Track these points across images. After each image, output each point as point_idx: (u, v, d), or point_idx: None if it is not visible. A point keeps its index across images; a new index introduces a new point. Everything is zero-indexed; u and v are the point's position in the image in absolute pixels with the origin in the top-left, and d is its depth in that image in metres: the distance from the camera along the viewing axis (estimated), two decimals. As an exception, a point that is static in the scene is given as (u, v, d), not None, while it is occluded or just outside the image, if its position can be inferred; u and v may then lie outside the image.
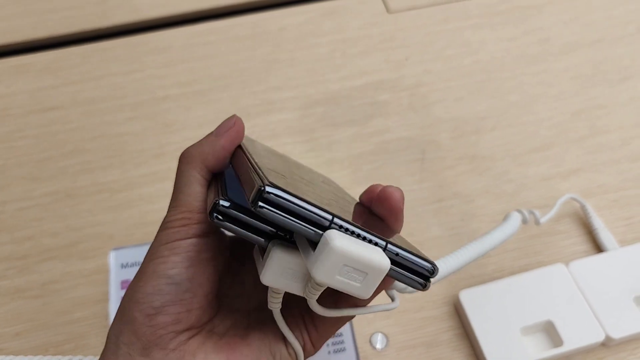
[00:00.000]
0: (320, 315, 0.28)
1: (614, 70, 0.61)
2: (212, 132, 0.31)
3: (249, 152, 0.28)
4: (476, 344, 0.42)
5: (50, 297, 0.46)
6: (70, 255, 0.48)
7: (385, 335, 0.44)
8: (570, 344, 0.41)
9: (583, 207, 0.49)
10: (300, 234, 0.23)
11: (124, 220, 0.51)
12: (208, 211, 0.25)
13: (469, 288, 0.44)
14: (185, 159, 0.30)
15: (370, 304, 0.30)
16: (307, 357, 0.30)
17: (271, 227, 0.25)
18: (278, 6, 0.68)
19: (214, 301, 0.29)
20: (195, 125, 0.57)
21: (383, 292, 0.32)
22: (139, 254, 0.46)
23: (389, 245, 0.24)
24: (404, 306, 0.45)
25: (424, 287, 0.26)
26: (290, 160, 0.38)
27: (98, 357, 0.28)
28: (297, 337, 0.29)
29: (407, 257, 0.25)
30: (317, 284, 0.24)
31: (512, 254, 0.48)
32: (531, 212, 0.46)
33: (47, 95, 0.60)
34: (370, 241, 0.24)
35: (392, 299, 0.31)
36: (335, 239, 0.22)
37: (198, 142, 0.30)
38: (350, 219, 0.24)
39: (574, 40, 0.64)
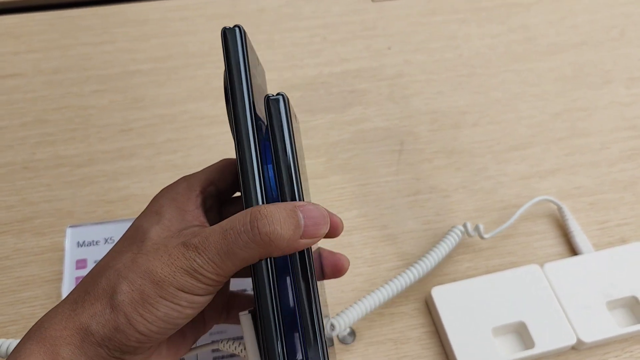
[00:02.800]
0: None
1: (596, 73, 0.60)
2: (299, 224, 0.25)
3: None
4: (446, 343, 0.41)
5: (-2, 273, 0.43)
6: (23, 230, 0.45)
7: (353, 330, 0.42)
8: (541, 346, 0.40)
9: (560, 209, 0.48)
10: None
11: (84, 196, 0.48)
12: None
13: (442, 285, 0.43)
14: (261, 241, 0.25)
15: None
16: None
17: None
18: (259, -14, 0.66)
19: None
20: (167, 102, 0.54)
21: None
22: (98, 232, 0.44)
23: None
24: (374, 300, 0.44)
25: None
26: None
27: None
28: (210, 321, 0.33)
29: None
30: None
31: (486, 252, 0.47)
32: (476, 228, 0.45)
33: (8, 61, 0.56)
34: None
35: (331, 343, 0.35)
36: None
37: (283, 228, 0.25)
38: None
39: (559, 41, 0.63)
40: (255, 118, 0.28)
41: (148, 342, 0.25)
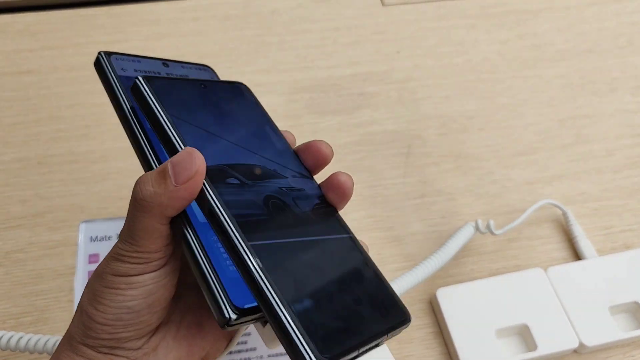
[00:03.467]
0: None
1: (602, 81, 0.61)
2: (168, 173, 0.26)
3: (222, 213, 0.26)
4: (450, 344, 0.42)
5: (13, 266, 0.44)
6: (37, 224, 0.46)
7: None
8: (544, 348, 0.41)
9: (564, 214, 0.49)
10: None
11: (97, 192, 0.49)
12: (216, 319, 0.26)
13: (447, 286, 0.44)
14: (141, 206, 0.26)
15: None
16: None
17: None
18: (271, -12, 0.67)
19: (172, 304, 0.30)
20: (178, 102, 0.55)
21: None
22: (110, 228, 0.45)
23: (388, 334, 0.26)
24: (379, 300, 0.45)
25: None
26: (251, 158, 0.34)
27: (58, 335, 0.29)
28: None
29: (396, 332, 0.27)
30: None
31: (490, 256, 0.48)
32: (487, 226, 0.46)
33: (24, 58, 0.57)
34: (379, 344, 0.25)
35: None
36: None
37: (154, 181, 0.26)
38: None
39: (566, 48, 0.63)
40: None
41: (117, 332, 0.26)
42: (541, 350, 0.41)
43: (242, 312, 0.26)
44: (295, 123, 0.55)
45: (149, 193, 0.26)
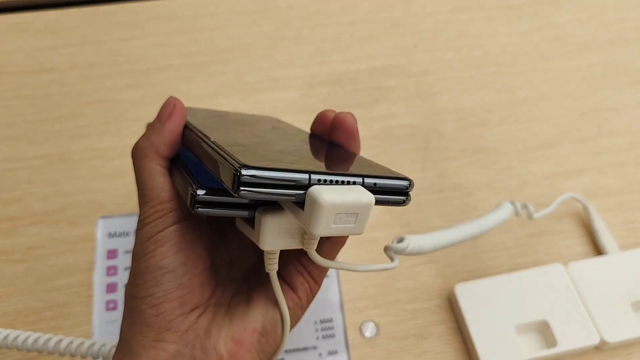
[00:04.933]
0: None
1: (625, 72, 0.60)
2: (154, 120, 0.30)
3: (199, 130, 0.28)
4: (469, 340, 0.41)
5: (34, 262, 0.45)
6: (58, 220, 0.47)
7: (376, 324, 0.43)
8: (564, 345, 0.41)
9: (585, 208, 0.48)
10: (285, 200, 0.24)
11: (116, 189, 0.49)
12: (188, 203, 0.26)
13: (465, 282, 0.43)
14: (137, 154, 0.29)
15: (372, 266, 0.29)
16: (314, 294, 0.31)
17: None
18: (288, -17, 0.67)
19: (211, 275, 0.30)
20: (196, 97, 0.56)
21: (382, 252, 0.32)
22: (128, 223, 0.45)
23: (365, 180, 0.25)
24: (396, 296, 0.44)
25: (404, 202, 0.27)
26: (232, 117, 0.38)
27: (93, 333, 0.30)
28: (300, 281, 0.30)
29: (384, 183, 0.26)
30: (315, 237, 0.26)
31: (510, 251, 0.47)
32: (525, 206, 0.45)
33: (45, 56, 0.58)
34: (348, 183, 0.25)
35: (391, 259, 0.31)
36: (321, 194, 0.23)
37: (144, 134, 0.30)
38: (311, 155, 0.27)
39: (588, 39, 0.62)
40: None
41: (159, 302, 0.27)
42: (561, 347, 0.41)
43: (209, 190, 0.25)
44: (312, 118, 0.54)
45: (141, 140, 0.29)
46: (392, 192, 0.26)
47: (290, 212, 0.25)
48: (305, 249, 0.27)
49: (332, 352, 0.41)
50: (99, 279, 0.43)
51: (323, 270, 0.31)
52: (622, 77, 0.59)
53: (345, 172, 0.25)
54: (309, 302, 0.31)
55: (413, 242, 0.33)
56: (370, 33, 0.62)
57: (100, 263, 0.44)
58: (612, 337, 0.41)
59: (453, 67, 0.59)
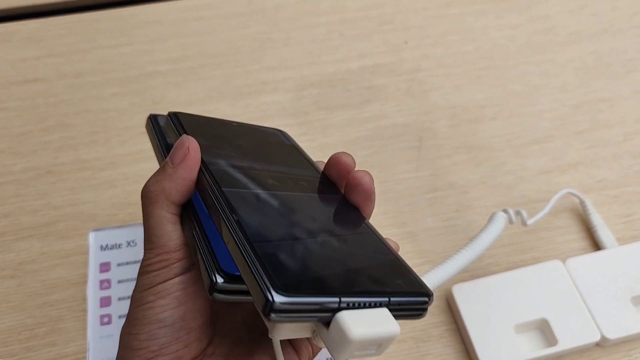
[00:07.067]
0: None
1: (618, 62, 0.59)
2: (166, 162, 0.28)
3: (215, 187, 0.27)
4: (468, 341, 0.41)
5: (25, 277, 0.44)
6: (48, 234, 0.46)
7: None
8: (564, 343, 0.40)
9: (582, 203, 0.48)
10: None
11: (106, 199, 0.48)
12: (206, 287, 0.25)
13: (462, 282, 0.43)
14: (148, 199, 0.27)
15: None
16: (315, 354, 0.30)
17: None
18: (275, -17, 0.66)
19: (210, 326, 0.29)
20: (185, 103, 0.55)
21: None
22: (120, 235, 0.44)
23: (392, 299, 0.24)
24: (395, 299, 0.44)
25: (421, 316, 0.26)
26: (243, 142, 0.35)
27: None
28: (305, 345, 0.29)
29: (407, 302, 0.25)
30: None
31: (507, 248, 0.47)
32: (518, 213, 0.44)
33: (30, 67, 0.57)
34: (375, 305, 0.23)
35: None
36: (349, 327, 0.22)
37: (155, 175, 0.28)
38: (336, 251, 0.25)
39: (579, 30, 0.62)
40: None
41: (154, 357, 0.26)
42: (562, 345, 0.40)
43: (230, 278, 0.24)
44: (304, 120, 0.54)
45: (151, 184, 0.27)
46: (413, 309, 0.26)
47: (313, 325, 0.24)
48: (316, 344, 0.26)
49: (331, 358, 0.41)
50: (92, 293, 0.43)
51: None
52: (615, 68, 0.59)
53: (373, 291, 0.24)
54: None
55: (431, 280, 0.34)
56: (360, 32, 0.61)
57: (93, 277, 0.43)
58: (613, 334, 0.41)
59: (444, 63, 0.59)
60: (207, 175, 0.27)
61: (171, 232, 0.27)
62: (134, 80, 0.56)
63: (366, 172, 0.29)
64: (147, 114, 0.54)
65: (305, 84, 0.57)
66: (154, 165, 0.50)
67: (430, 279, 0.35)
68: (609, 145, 0.53)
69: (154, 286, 0.26)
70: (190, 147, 0.28)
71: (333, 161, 0.31)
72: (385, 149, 0.52)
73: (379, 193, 0.49)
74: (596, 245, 0.47)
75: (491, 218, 0.41)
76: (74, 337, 0.42)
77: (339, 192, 0.31)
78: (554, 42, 0.61)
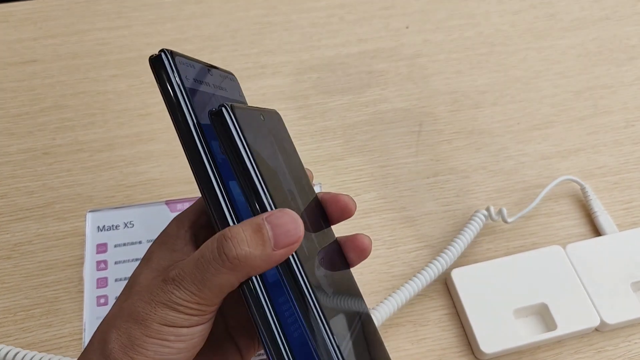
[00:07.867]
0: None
1: (620, 49, 0.59)
2: (267, 237, 0.24)
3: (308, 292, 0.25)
4: (467, 325, 0.41)
5: (21, 258, 0.44)
6: (45, 215, 0.46)
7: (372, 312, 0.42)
8: (564, 328, 0.40)
9: (583, 189, 0.48)
10: None
11: (103, 181, 0.48)
12: None
13: (462, 267, 0.43)
14: (231, 264, 0.24)
15: None
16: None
17: None
18: (275, -34, 0.65)
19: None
20: (183, 86, 0.54)
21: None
22: (118, 216, 0.44)
23: None
24: (393, 282, 0.44)
25: None
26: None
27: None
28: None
29: None
30: None
31: (506, 234, 0.46)
32: (499, 212, 0.44)
33: (27, 47, 0.56)
34: None
35: None
36: None
37: (251, 245, 0.24)
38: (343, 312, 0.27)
39: (582, 16, 0.61)
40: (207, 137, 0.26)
41: None
42: (561, 330, 0.40)
43: None
44: (303, 104, 0.54)
45: (245, 253, 0.23)
46: None
47: None
48: None
49: None
50: (89, 274, 0.42)
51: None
52: (617, 54, 0.58)
53: None
54: None
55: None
56: (361, 16, 0.61)
57: (90, 258, 0.43)
58: (612, 319, 0.40)
59: (445, 48, 0.58)
60: (299, 271, 0.25)
61: (225, 294, 0.25)
62: (132, 62, 0.56)
63: (367, 237, 0.31)
64: (146, 97, 0.53)
65: (305, 68, 0.56)
66: (152, 147, 0.50)
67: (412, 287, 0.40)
68: (610, 132, 0.52)
69: (179, 328, 0.24)
70: (300, 239, 0.24)
71: (340, 204, 0.31)
72: (385, 133, 0.52)
73: (378, 177, 0.49)
74: (596, 231, 0.46)
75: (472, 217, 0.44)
76: (70, 318, 0.41)
77: (332, 234, 0.31)
78: (556, 28, 0.60)
